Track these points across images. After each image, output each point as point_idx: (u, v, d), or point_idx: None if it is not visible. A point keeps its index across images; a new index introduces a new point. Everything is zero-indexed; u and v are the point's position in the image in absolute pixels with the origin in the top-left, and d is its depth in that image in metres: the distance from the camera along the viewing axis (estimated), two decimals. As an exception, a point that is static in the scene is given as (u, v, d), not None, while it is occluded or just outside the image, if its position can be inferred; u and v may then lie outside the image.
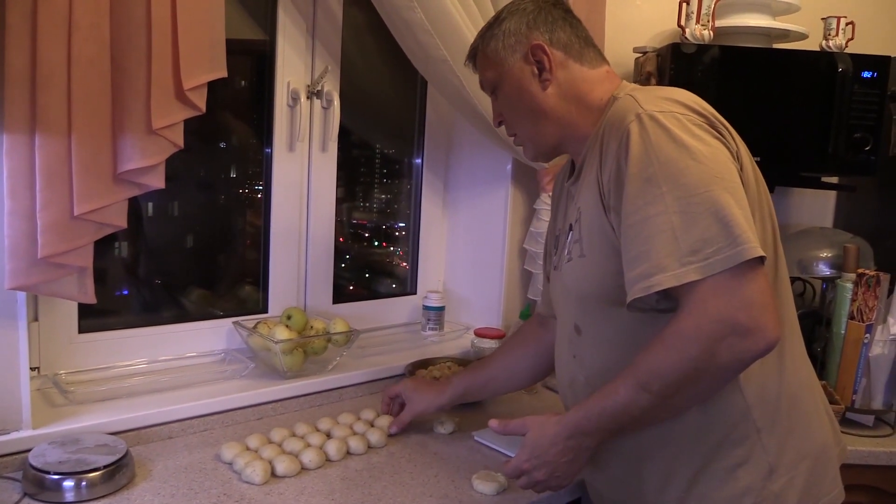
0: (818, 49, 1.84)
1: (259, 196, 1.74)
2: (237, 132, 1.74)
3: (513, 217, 1.93)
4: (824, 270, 1.75)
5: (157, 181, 1.18)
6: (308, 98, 1.69)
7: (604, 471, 1.14)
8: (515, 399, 1.63)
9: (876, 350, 1.56)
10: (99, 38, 1.08)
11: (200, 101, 1.19)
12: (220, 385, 1.46)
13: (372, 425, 1.40)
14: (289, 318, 1.62)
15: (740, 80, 1.72)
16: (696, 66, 1.70)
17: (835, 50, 1.81)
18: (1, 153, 1.07)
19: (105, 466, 1.11)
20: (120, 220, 1.16)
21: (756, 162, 1.06)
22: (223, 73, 1.22)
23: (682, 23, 1.73)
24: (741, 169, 0.99)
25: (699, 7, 1.71)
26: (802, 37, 1.85)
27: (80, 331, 1.44)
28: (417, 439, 1.40)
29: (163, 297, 1.67)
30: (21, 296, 1.15)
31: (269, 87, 1.66)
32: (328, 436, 1.34)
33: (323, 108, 1.73)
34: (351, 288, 2.03)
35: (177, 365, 1.54)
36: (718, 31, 1.75)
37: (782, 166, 1.74)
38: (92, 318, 1.46)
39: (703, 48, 1.70)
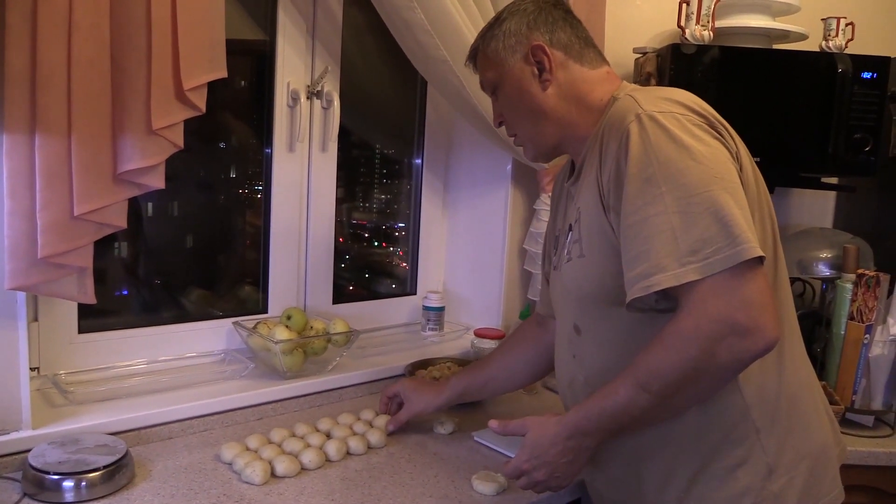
0: (818, 50, 1.83)
1: (259, 196, 1.74)
2: (237, 132, 1.74)
3: (513, 217, 1.92)
4: (824, 271, 1.75)
5: (157, 181, 1.18)
6: (308, 98, 1.69)
7: (604, 471, 1.14)
8: (515, 399, 1.63)
9: (876, 350, 1.56)
10: (99, 39, 1.08)
11: (200, 101, 1.19)
12: (219, 385, 1.47)
13: (372, 425, 1.40)
14: (289, 318, 1.62)
15: (740, 81, 1.72)
16: (696, 67, 1.70)
17: (835, 50, 1.81)
18: (1, 153, 1.07)
19: (105, 467, 1.11)
20: (120, 221, 1.16)
21: (756, 162, 1.06)
22: (223, 74, 1.22)
23: (682, 23, 1.73)
24: (741, 169, 0.99)
25: (699, 7, 1.71)
26: (802, 37, 1.85)
27: (80, 331, 1.44)
28: (417, 439, 1.40)
29: (163, 297, 1.67)
30: (21, 296, 1.15)
31: (269, 88, 1.66)
32: (328, 436, 1.34)
33: (323, 108, 1.73)
34: (351, 288, 2.03)
35: (177, 365, 1.54)
36: (718, 32, 1.75)
37: (782, 167, 1.74)
38: (92, 319, 1.46)
39: (702, 49, 1.70)
